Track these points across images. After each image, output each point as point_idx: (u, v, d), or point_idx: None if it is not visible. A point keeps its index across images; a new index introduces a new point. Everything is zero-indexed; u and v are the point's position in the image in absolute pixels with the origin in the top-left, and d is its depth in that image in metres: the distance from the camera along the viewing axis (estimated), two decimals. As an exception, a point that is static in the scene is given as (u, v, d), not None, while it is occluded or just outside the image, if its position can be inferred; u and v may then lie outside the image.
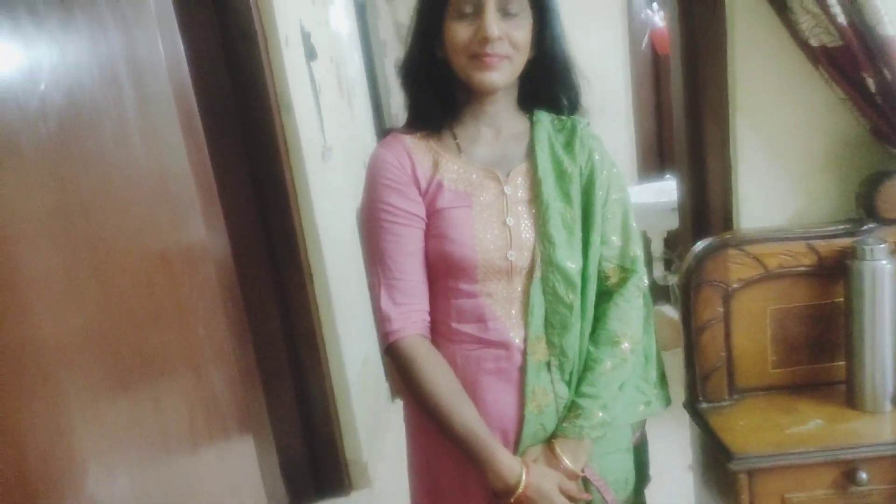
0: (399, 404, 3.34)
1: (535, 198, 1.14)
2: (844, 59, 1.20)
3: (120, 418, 0.84)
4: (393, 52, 4.37)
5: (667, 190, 3.58)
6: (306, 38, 2.73)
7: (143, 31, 1.07)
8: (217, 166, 1.37)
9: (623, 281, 1.18)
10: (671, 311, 3.60)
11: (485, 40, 1.05)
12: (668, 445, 1.36)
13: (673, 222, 3.50)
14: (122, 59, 0.97)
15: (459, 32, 1.07)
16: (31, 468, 0.65)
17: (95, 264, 0.83)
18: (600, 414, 1.12)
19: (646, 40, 3.65)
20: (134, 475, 0.86)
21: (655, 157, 3.99)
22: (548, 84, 1.18)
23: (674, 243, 3.65)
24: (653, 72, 3.88)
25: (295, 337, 2.64)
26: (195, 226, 1.22)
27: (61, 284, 0.75)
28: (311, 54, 2.77)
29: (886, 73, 1.18)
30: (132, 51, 1.01)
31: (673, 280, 3.56)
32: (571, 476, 1.12)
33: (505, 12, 1.06)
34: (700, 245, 1.36)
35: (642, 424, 1.29)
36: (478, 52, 1.06)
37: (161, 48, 1.13)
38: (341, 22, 3.51)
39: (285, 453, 2.48)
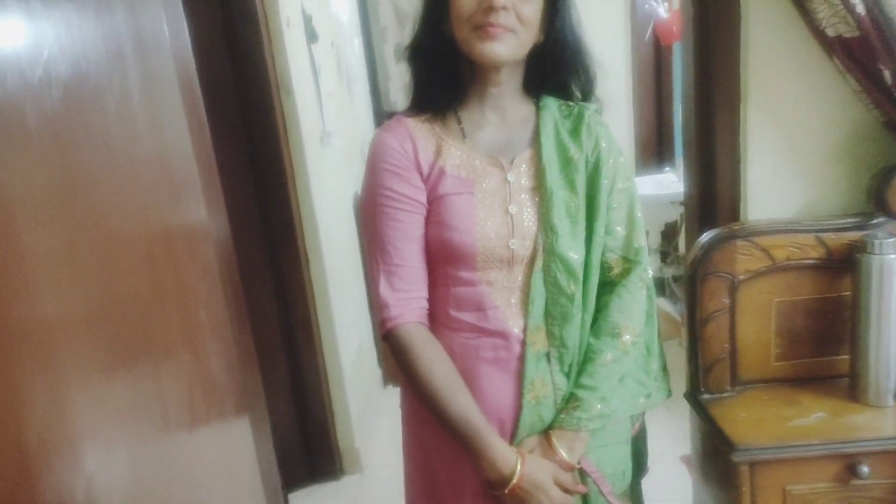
0: (391, 391, 3.37)
1: (539, 186, 1.12)
2: (861, 51, 1.18)
3: (120, 398, 0.83)
4: (393, 37, 4.34)
5: (665, 182, 3.59)
6: (308, 20, 2.70)
7: (148, 9, 1.05)
8: (216, 147, 1.34)
9: (627, 272, 1.16)
10: (665, 304, 3.60)
11: (490, 9, 1.02)
12: (660, 436, 1.37)
13: (671, 215, 3.51)
14: (127, 35, 0.95)
15: (465, 1, 1.04)
16: (30, 447, 0.64)
17: (98, 242, 0.81)
18: (599, 406, 1.11)
19: (650, 31, 3.63)
20: (133, 454, 0.84)
21: (654, 150, 3.98)
22: (557, 70, 1.16)
23: (670, 236, 3.65)
24: (654, 64, 3.87)
25: (290, 321, 2.62)
26: (196, 206, 1.20)
27: (63, 261, 0.73)
28: (312, 37, 2.74)
29: (902, 64, 1.17)
30: (137, 27, 0.99)
31: (669, 273, 3.57)
32: (567, 468, 1.11)
33: None
34: (707, 236, 1.35)
35: (642, 416, 1.28)
36: (482, 23, 1.03)
37: (165, 27, 1.11)
38: (342, 6, 3.48)
39: (279, 437, 2.46)
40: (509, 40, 1.05)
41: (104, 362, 0.80)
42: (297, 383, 2.67)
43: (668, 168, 3.83)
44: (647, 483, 1.32)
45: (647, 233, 3.55)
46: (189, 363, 1.09)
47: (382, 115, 4.30)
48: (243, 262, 1.57)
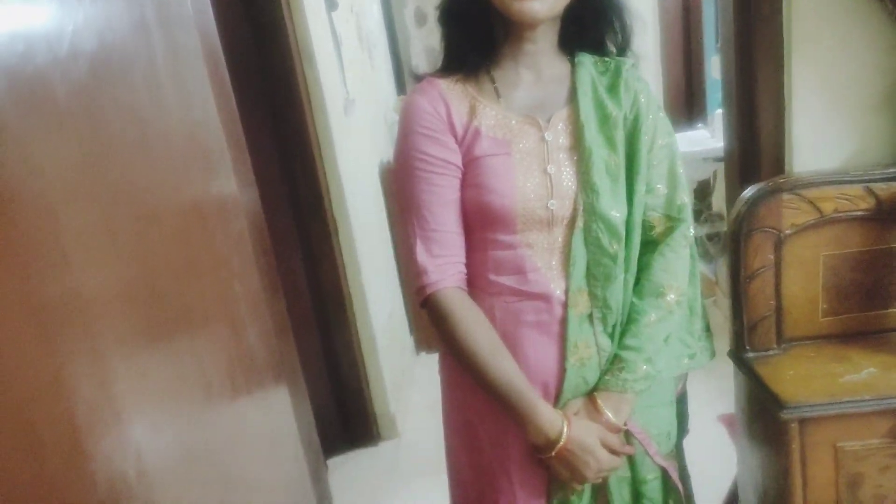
0: (424, 358, 3.38)
1: (578, 144, 1.09)
2: (914, -13, 1.12)
3: (162, 371, 0.83)
4: (412, 2, 4.26)
5: (697, 139, 3.50)
6: (327, -14, 2.65)
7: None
8: (241, 117, 1.33)
9: (669, 230, 1.13)
10: (698, 263, 3.54)
11: None
12: (696, 396, 1.36)
13: (704, 173, 3.43)
14: (151, 5, 0.93)
15: None
16: (79, 421, 0.64)
17: (133, 215, 0.81)
18: (644, 367, 1.09)
19: (677, -18, 3.51)
20: (178, 427, 0.85)
21: (685, 107, 3.88)
22: (593, 25, 1.12)
23: (704, 194, 3.58)
24: (682, 18, 3.74)
25: (321, 291, 2.63)
26: (226, 178, 1.19)
27: (100, 235, 0.72)
28: (331, 5, 2.69)
29: (958, 1, 1.10)
30: (161, 0, 0.97)
31: (702, 232, 3.50)
32: (613, 430, 1.10)
33: None
34: (751, 190, 1.30)
35: (685, 377, 1.26)
36: None
37: (188, -1, 1.09)
38: (360, -29, 3.41)
39: (315, 406, 2.48)
40: None
41: (145, 336, 0.80)
42: (330, 353, 2.69)
43: (699, 125, 3.73)
44: (686, 443, 1.30)
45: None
46: (227, 335, 1.09)
47: (404, 81, 4.24)
48: (273, 235, 1.57)
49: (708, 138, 3.41)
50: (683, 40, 3.78)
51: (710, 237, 3.49)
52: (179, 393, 0.87)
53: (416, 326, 3.42)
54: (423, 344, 3.41)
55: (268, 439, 1.25)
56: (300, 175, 2.46)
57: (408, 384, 3.15)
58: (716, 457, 1.89)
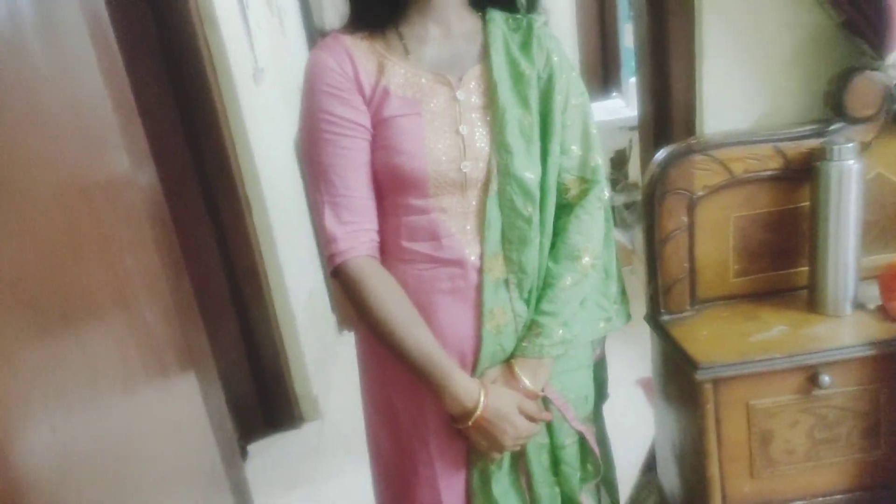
0: (347, 336, 3.31)
1: (491, 103, 1.05)
2: (818, -55, 1.12)
3: (37, 363, 0.74)
4: (324, -34, 4.09)
5: (613, 108, 3.54)
6: (227, -56, 2.49)
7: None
8: (137, 88, 1.22)
9: (584, 193, 1.11)
10: (616, 233, 3.61)
11: None
12: (616, 361, 1.37)
13: (620, 141, 3.48)
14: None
15: None
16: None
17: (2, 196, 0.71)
18: (560, 332, 1.07)
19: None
20: (56, 424, 0.76)
21: (600, 76, 3.91)
22: None
23: (620, 163, 3.63)
24: (596, -14, 3.76)
25: (235, 270, 2.51)
26: (115, 152, 1.10)
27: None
28: (234, -36, 2.54)
29: (860, -40, 1.12)
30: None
31: (620, 200, 3.56)
32: (531, 396, 1.08)
33: None
34: (664, 152, 1.30)
35: (602, 341, 1.26)
36: None
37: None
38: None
39: (232, 389, 2.39)
40: None
41: (16, 326, 0.71)
42: (247, 334, 2.59)
43: (614, 94, 3.77)
44: (605, 407, 1.31)
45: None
46: (120, 318, 1.00)
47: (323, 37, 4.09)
48: (178, 211, 1.47)
49: (623, 107, 3.45)
50: (597, 9, 3.80)
51: (626, 206, 3.56)
52: (59, 387, 0.78)
53: (338, 304, 3.34)
54: (345, 322, 3.34)
55: (172, 427, 1.17)
56: (206, 149, 2.32)
57: (331, 363, 3.08)
58: (635, 420, 1.93)
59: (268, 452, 2.57)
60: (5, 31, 0.79)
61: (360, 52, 1.04)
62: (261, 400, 2.66)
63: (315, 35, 4.01)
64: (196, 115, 2.26)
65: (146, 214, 1.17)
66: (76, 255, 0.89)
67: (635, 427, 1.82)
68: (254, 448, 2.58)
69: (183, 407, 1.23)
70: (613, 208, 3.66)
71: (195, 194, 2.38)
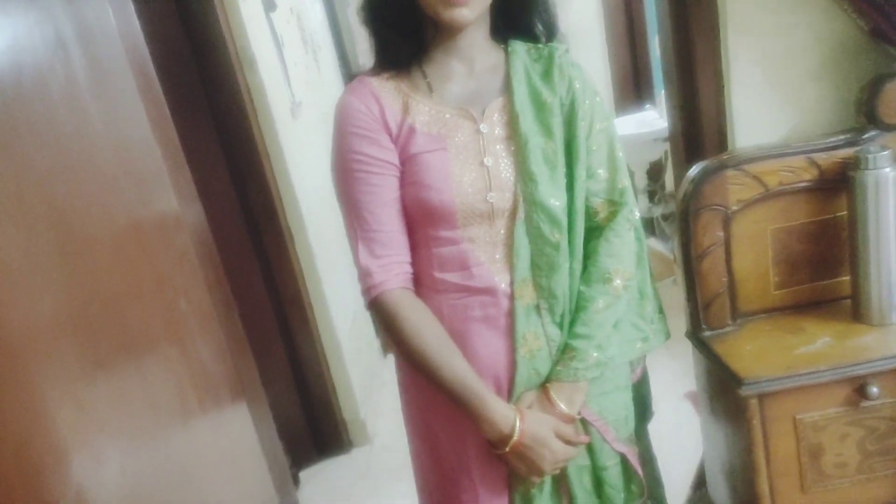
0: (391, 360, 3.34)
1: (514, 134, 1.08)
2: (839, -43, 1.13)
3: (103, 401, 0.79)
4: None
5: (647, 120, 3.53)
6: (262, -13, 2.59)
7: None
8: (182, 130, 1.29)
9: (613, 215, 1.13)
10: (656, 244, 3.58)
11: None
12: (661, 376, 1.36)
13: (655, 153, 3.46)
14: (69, 24, 0.90)
15: None
16: (9, 460, 0.60)
17: (59, 244, 0.77)
18: (595, 354, 1.09)
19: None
20: (123, 458, 0.81)
21: (632, 88, 3.91)
22: (521, 12, 1.11)
23: (656, 175, 3.61)
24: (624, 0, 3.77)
25: (281, 300, 2.58)
26: (165, 194, 1.16)
27: (24, 269, 0.69)
28: (269, 6, 2.64)
29: (883, -31, 1.12)
30: (78, 14, 0.94)
31: (657, 212, 3.54)
32: (567, 420, 1.09)
33: None
34: (696, 168, 1.31)
35: (642, 360, 1.26)
36: None
37: (110, 10, 1.06)
38: (297, -31, 3.34)
39: (282, 417, 2.45)
40: (475, 2, 1.01)
41: (82, 366, 0.76)
42: (295, 362, 2.64)
43: (648, 105, 3.76)
44: (654, 424, 1.30)
45: (633, 173, 3.52)
46: (175, 354, 1.05)
47: (352, 77, 4.18)
48: (226, 247, 1.53)
49: (657, 119, 3.44)
50: (627, 21, 3.80)
51: (665, 217, 3.53)
52: (123, 423, 0.83)
53: (380, 328, 3.38)
54: (389, 346, 3.38)
55: (228, 459, 1.22)
56: (250, 184, 2.40)
57: (377, 387, 3.12)
58: (685, 434, 1.91)
59: (319, 478, 2.61)
60: (63, 92, 0.85)
61: (386, 92, 1.09)
62: (310, 426, 2.70)
63: (349, 65, 4.12)
64: (239, 152, 2.35)
65: (197, 256, 1.22)
66: (134, 297, 0.94)
67: (685, 442, 1.80)
68: (305, 475, 2.62)
69: (237, 438, 1.28)
70: (653, 220, 3.64)
71: (241, 229, 2.46)
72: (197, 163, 1.37)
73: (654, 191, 3.59)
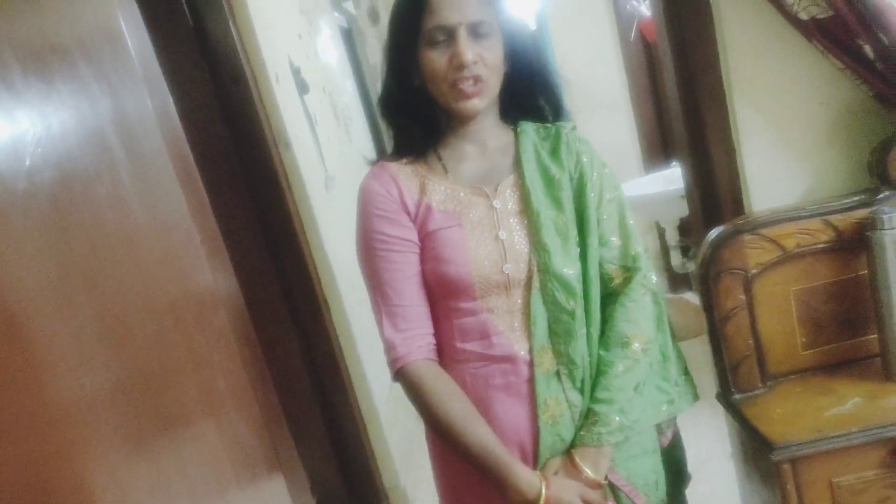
0: (430, 425, 3.33)
1: (526, 208, 1.13)
2: (837, 29, 1.17)
3: (143, 478, 0.83)
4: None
5: (674, 177, 3.54)
6: (296, 72, 2.74)
7: (130, 90, 1.07)
8: (220, 211, 1.37)
9: (628, 281, 1.16)
10: (693, 298, 3.54)
11: (461, 66, 1.06)
12: (706, 435, 1.33)
13: (684, 209, 3.46)
14: (111, 122, 0.97)
15: (435, 60, 1.08)
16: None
17: (103, 329, 0.83)
18: (617, 418, 1.10)
19: (634, 31, 3.63)
20: (162, 536, 0.85)
21: (659, 146, 3.95)
22: (527, 94, 1.19)
23: (687, 230, 3.61)
24: (646, 61, 3.85)
25: (318, 369, 2.62)
26: (203, 276, 1.22)
27: (71, 353, 0.74)
28: (302, 88, 2.78)
29: (883, 37, 1.15)
30: (120, 112, 1.01)
31: (691, 267, 3.52)
32: (593, 485, 1.10)
33: (476, 35, 1.07)
34: (713, 233, 1.33)
35: (672, 423, 1.26)
36: (457, 80, 1.07)
37: (150, 104, 1.14)
38: (329, 51, 3.52)
39: (321, 486, 2.46)
40: (484, 92, 1.10)
41: (124, 444, 0.81)
42: (334, 430, 2.66)
43: (674, 163, 3.79)
44: (700, 485, 1.28)
45: (664, 230, 3.52)
46: (212, 432, 1.09)
47: (385, 150, 4.31)
48: (262, 319, 1.60)
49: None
50: (650, 84, 3.87)
51: (699, 272, 3.50)
52: (160, 500, 0.87)
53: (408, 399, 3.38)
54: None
55: (265, 534, 1.24)
56: (286, 257, 2.48)
57: (417, 454, 3.10)
58: (732, 496, 1.85)
59: (359, 548, 2.59)
60: (109, 194, 0.92)
61: (404, 175, 1.16)
62: (350, 495, 2.69)
63: (380, 135, 4.26)
64: (275, 228, 2.44)
65: (234, 333, 1.28)
66: (171, 376, 0.99)
67: (731, 503, 1.75)
68: (346, 544, 2.60)
69: (274, 512, 1.30)
70: (687, 275, 3.61)
71: (277, 300, 2.53)
72: (234, 241, 1.44)
73: (686, 246, 3.58)
